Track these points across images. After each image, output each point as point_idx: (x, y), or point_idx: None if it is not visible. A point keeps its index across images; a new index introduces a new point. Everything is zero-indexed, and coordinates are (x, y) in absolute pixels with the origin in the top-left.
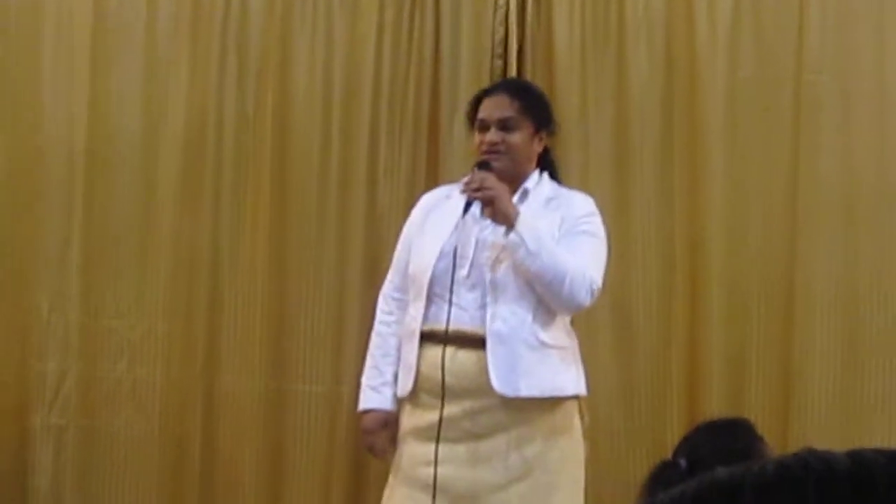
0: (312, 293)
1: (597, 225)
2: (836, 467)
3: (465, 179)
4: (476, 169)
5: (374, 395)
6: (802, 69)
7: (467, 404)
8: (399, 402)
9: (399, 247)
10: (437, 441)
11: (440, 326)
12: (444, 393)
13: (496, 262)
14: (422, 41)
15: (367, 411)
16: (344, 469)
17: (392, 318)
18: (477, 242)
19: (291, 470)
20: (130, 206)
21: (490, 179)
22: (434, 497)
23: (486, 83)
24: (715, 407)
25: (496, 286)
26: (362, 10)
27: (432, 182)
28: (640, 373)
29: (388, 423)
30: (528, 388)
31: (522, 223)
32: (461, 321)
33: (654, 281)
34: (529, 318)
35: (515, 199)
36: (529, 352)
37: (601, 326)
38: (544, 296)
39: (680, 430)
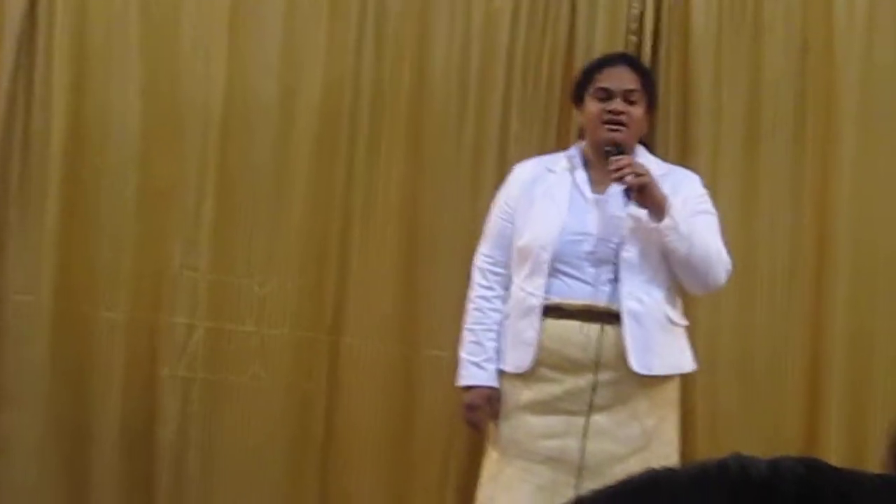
0: (443, 261)
1: (711, 203)
2: (752, 474)
3: (612, 166)
4: (612, 152)
5: (479, 371)
6: None
7: (592, 377)
8: (505, 376)
9: (496, 220)
10: (590, 409)
11: (567, 301)
12: (572, 366)
13: (628, 241)
14: (557, 16)
15: (471, 387)
16: (466, 434)
17: (492, 294)
18: (603, 218)
19: (413, 434)
20: (264, 170)
21: (638, 165)
22: (579, 472)
23: None
24: (836, 387)
25: (630, 265)
26: None
27: None
28: (761, 355)
29: (491, 399)
30: (661, 366)
31: (674, 207)
32: (588, 296)
33: (780, 259)
34: (662, 297)
35: None
36: (661, 330)
37: (724, 308)
38: (686, 277)
39: (798, 420)
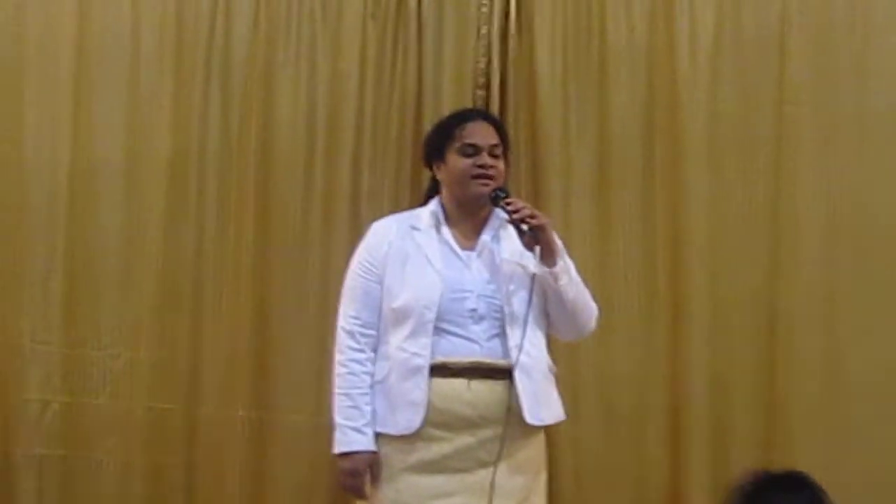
0: (295, 322)
1: None
2: None
3: (509, 207)
4: (501, 196)
5: (359, 436)
6: (783, 99)
7: (482, 434)
8: (385, 439)
9: (361, 280)
10: (497, 462)
11: (452, 359)
12: (460, 424)
13: (511, 293)
14: (405, 71)
15: (351, 453)
16: (326, 498)
17: (364, 356)
18: (477, 274)
19: (273, 500)
20: (113, 236)
21: (530, 206)
22: None
23: None
24: (696, 431)
25: (515, 318)
26: (345, 42)
27: None
28: (622, 397)
29: (372, 463)
30: (548, 416)
31: (563, 251)
32: (474, 353)
33: (636, 307)
34: (544, 347)
35: (497, 225)
36: (545, 380)
37: (582, 350)
38: (565, 323)
39: (661, 458)
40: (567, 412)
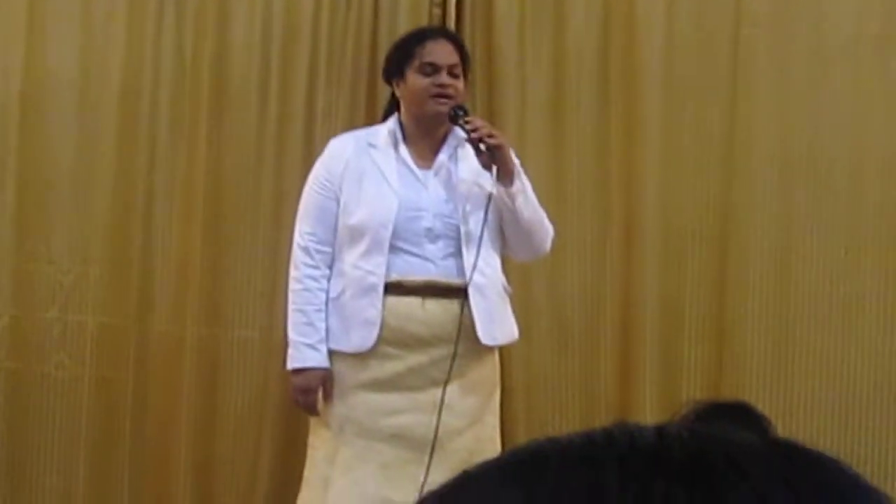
0: (248, 239)
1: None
2: (639, 443)
3: (468, 126)
4: (461, 114)
5: (313, 352)
6: (741, 23)
7: (435, 352)
8: (339, 356)
9: (317, 197)
10: (446, 383)
11: (407, 277)
12: (413, 342)
13: (467, 213)
14: None
15: (305, 369)
16: (276, 416)
17: (319, 273)
18: (433, 193)
19: (223, 416)
20: (66, 154)
21: (490, 125)
22: (432, 450)
23: None
24: (648, 352)
25: (471, 238)
26: None
27: None
28: (574, 317)
29: (326, 380)
30: (502, 336)
31: (520, 171)
32: (429, 272)
33: (589, 227)
34: (499, 267)
35: (455, 144)
36: (499, 300)
37: (535, 270)
38: (520, 243)
39: (612, 377)
40: (520, 331)
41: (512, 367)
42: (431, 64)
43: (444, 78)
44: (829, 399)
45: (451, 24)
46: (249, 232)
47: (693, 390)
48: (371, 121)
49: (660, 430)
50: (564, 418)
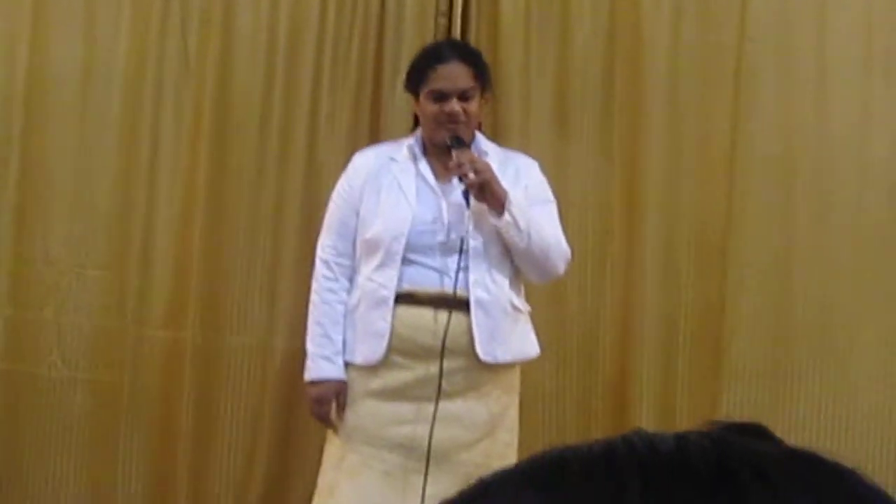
0: (248, 242)
1: (550, 191)
2: (660, 450)
3: (452, 162)
4: (454, 146)
5: (329, 365)
6: (744, 38)
7: (444, 364)
8: (351, 367)
9: (339, 210)
10: (438, 396)
11: (418, 288)
12: (423, 353)
13: (473, 230)
14: None
15: (321, 381)
16: (273, 421)
17: (338, 286)
18: (450, 207)
19: (221, 420)
20: (67, 155)
21: (478, 161)
22: (427, 460)
23: (429, 40)
24: (646, 371)
25: (477, 253)
26: None
27: (374, 135)
28: (573, 333)
29: (340, 391)
30: (503, 353)
31: (514, 202)
32: (439, 284)
33: (591, 242)
34: (507, 284)
35: None
36: (505, 318)
37: (535, 286)
38: (525, 268)
39: (608, 394)
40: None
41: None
42: (440, 91)
43: (452, 105)
44: (829, 417)
45: (457, 34)
46: (250, 236)
47: (691, 406)
48: (374, 127)
49: (679, 439)
50: (561, 434)
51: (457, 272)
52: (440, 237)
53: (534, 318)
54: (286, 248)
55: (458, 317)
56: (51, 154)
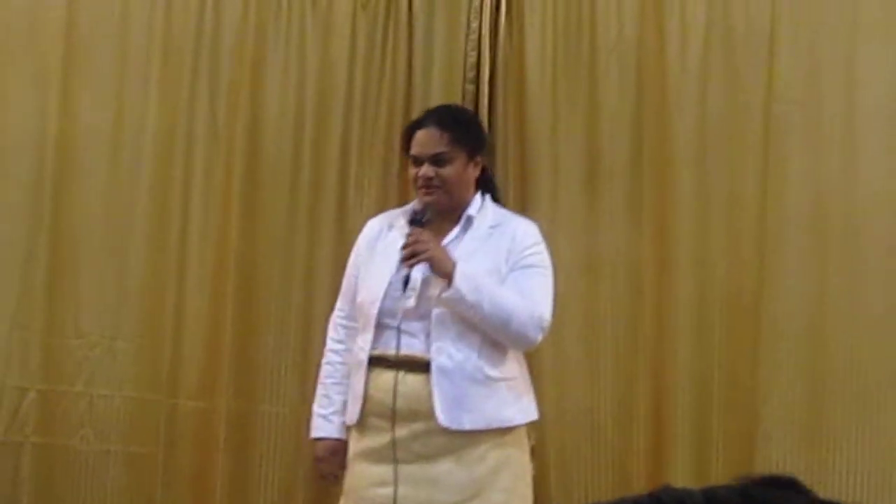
0: (280, 312)
1: (543, 255)
2: None
3: (402, 242)
4: (414, 222)
5: (325, 423)
6: (772, 99)
7: (415, 427)
8: (348, 428)
9: (348, 275)
10: (395, 461)
11: (390, 351)
12: (394, 416)
13: (438, 299)
14: (395, 64)
15: (318, 439)
16: (306, 491)
17: (342, 347)
18: (422, 275)
19: (254, 490)
20: (97, 225)
21: (423, 239)
22: None
23: None
24: (680, 430)
25: (440, 321)
26: (335, 32)
27: (403, 201)
28: (607, 394)
29: (338, 450)
30: (471, 422)
31: (460, 277)
32: (411, 347)
33: (622, 304)
34: (475, 355)
35: (458, 228)
36: (475, 386)
37: (569, 347)
38: (493, 336)
39: (644, 453)
40: (551, 406)
41: (547, 444)
42: (415, 156)
43: (425, 170)
44: (865, 473)
45: (485, 100)
46: (281, 304)
47: (725, 464)
48: (403, 193)
49: (707, 495)
50: (597, 495)
51: (427, 337)
52: (411, 302)
53: (566, 375)
54: (317, 315)
55: (425, 379)
56: (80, 225)
